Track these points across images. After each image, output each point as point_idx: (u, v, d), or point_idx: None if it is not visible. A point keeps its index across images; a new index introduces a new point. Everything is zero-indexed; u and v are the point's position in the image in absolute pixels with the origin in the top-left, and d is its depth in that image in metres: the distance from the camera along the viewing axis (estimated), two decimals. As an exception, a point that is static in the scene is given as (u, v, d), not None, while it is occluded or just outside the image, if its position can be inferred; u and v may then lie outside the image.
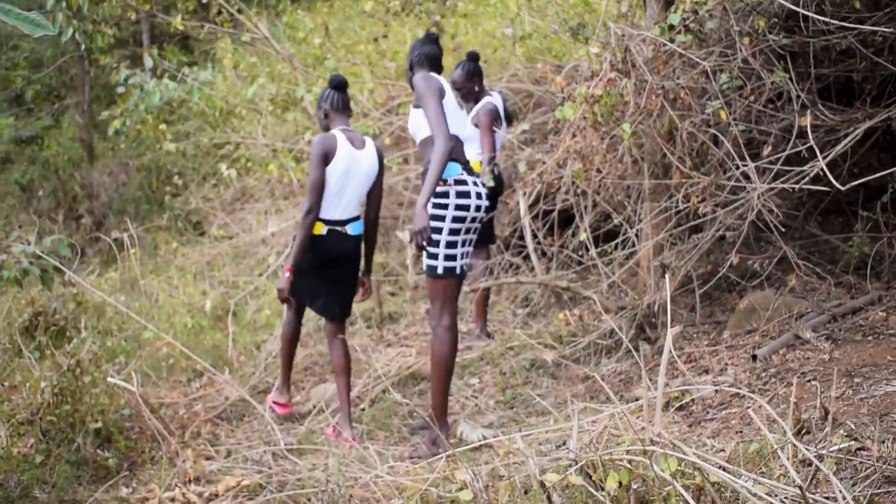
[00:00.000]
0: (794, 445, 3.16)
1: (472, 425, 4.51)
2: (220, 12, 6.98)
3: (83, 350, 5.16)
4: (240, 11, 6.85)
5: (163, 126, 8.38)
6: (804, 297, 5.26)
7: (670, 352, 3.02)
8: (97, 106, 15.75)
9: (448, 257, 4.21)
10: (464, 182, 4.18)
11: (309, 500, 3.84)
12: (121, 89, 8.76)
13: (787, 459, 3.10)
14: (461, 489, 2.99)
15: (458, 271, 4.26)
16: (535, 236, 6.36)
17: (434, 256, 4.21)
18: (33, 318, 6.49)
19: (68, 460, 4.46)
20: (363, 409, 5.15)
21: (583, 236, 5.57)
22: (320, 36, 8.85)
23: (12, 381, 5.23)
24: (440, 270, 4.22)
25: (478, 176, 4.36)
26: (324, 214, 4.67)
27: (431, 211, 4.17)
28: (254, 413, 5.29)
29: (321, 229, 4.67)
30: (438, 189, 4.14)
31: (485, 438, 4.24)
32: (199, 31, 8.91)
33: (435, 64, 4.45)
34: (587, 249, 5.65)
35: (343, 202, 4.70)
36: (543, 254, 6.45)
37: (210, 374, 5.56)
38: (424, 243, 4.08)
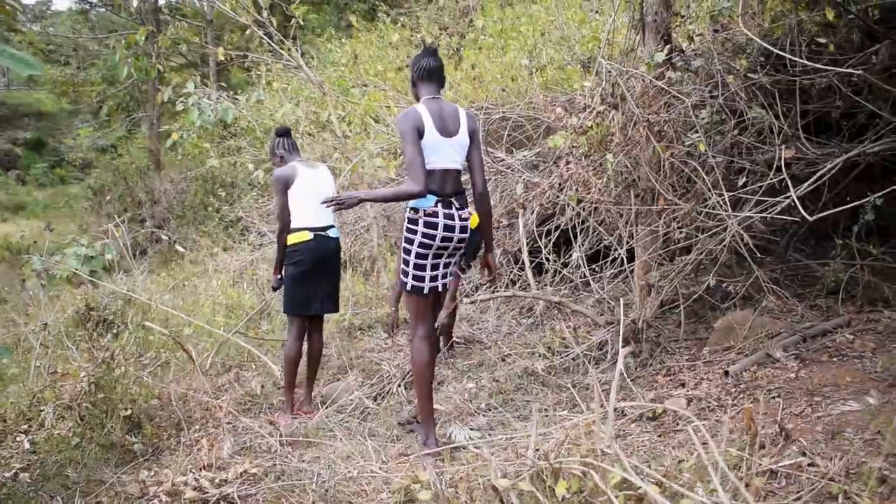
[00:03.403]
0: (746, 460, 3.15)
1: (461, 427, 4.51)
2: (262, 43, 7.08)
3: (121, 344, 5.27)
4: (281, 42, 6.92)
5: (207, 144, 8.48)
6: (780, 317, 5.19)
7: (622, 371, 2.99)
8: (165, 119, 16.08)
9: (416, 277, 4.28)
10: (434, 214, 4.17)
11: (304, 490, 3.87)
12: (180, 106, 8.89)
13: (739, 473, 3.08)
14: (424, 488, 3.00)
15: (425, 291, 4.31)
16: (531, 253, 6.33)
17: (405, 274, 4.32)
18: (85, 313, 6.64)
19: (99, 443, 4.53)
20: (367, 408, 5.17)
21: (575, 255, 5.54)
22: (349, 64, 8.93)
23: (63, 370, 5.34)
24: (409, 287, 4.32)
25: (459, 208, 4.27)
26: (307, 223, 5.07)
27: (404, 234, 4.28)
28: (273, 406, 5.35)
29: (308, 236, 5.06)
30: (411, 216, 4.21)
31: (471, 440, 4.25)
32: (245, 58, 9.01)
33: (434, 76, 4.35)
34: (578, 267, 5.63)
35: (317, 211, 5.06)
36: (545, 271, 6.42)
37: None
38: (335, 205, 4.21)
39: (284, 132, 5.40)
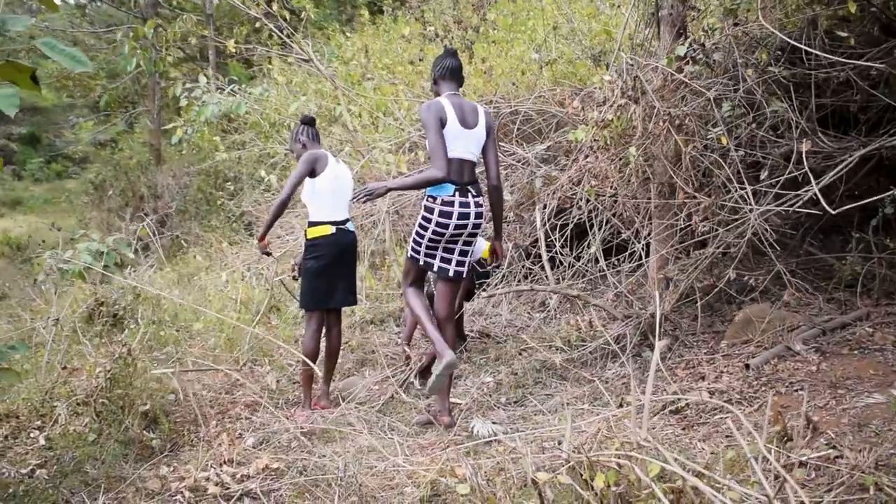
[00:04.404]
0: (775, 452, 3.15)
1: (483, 421, 4.51)
2: (271, 36, 7.07)
3: (135, 340, 5.24)
4: (290, 36, 6.90)
5: (216, 138, 8.46)
6: (798, 311, 5.19)
7: (658, 363, 2.99)
8: (165, 113, 16.03)
9: (427, 255, 4.54)
10: (450, 203, 4.38)
11: (329, 485, 3.86)
12: (183, 101, 8.85)
13: (767, 465, 3.08)
14: (460, 482, 3.00)
15: (435, 268, 4.55)
16: (549, 247, 6.32)
17: (416, 252, 4.54)
18: (95, 308, 6.61)
19: (117, 439, 4.51)
20: (385, 403, 5.16)
21: (593, 249, 5.54)
22: (360, 58, 8.91)
23: (73, 366, 5.32)
24: (421, 262, 4.56)
25: (475, 195, 4.47)
26: (329, 217, 5.10)
27: (419, 221, 4.49)
28: (289, 400, 5.34)
29: (330, 230, 5.09)
30: (428, 204, 4.42)
31: (494, 434, 4.26)
32: (253, 52, 8.99)
33: (455, 75, 4.60)
34: (597, 261, 5.62)
35: (339, 205, 5.12)
36: (560, 263, 6.41)
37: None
38: (364, 196, 4.40)
39: (309, 121, 5.42)
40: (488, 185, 4.58)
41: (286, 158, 9.34)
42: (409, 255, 4.61)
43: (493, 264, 4.85)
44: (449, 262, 4.53)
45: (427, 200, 4.42)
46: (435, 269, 4.54)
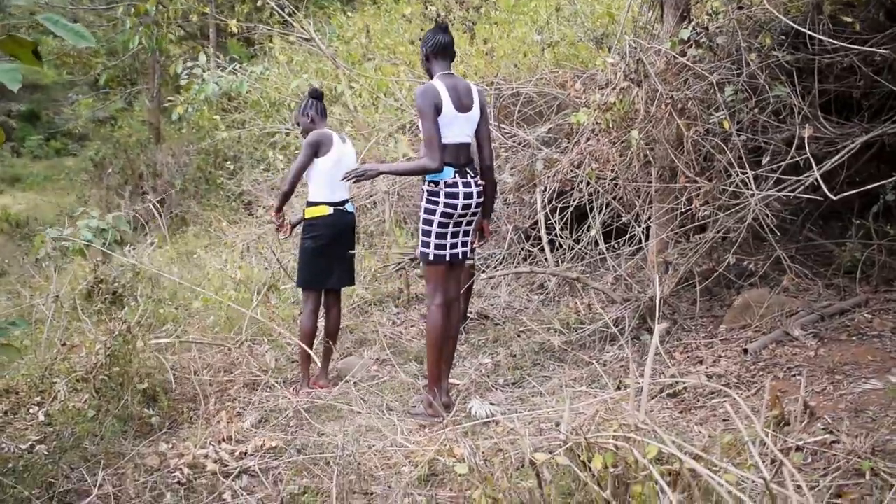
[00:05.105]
0: (773, 436, 3.16)
1: (481, 402, 4.53)
2: (272, 14, 7.04)
3: (135, 317, 5.25)
4: (291, 15, 6.87)
5: (216, 117, 8.44)
6: (797, 296, 5.21)
7: (657, 346, 2.99)
8: (165, 91, 15.96)
9: (438, 246, 4.42)
10: (454, 185, 4.33)
11: (328, 463, 3.88)
12: (184, 80, 8.82)
13: (764, 449, 3.09)
14: (459, 462, 3.01)
15: (447, 258, 4.45)
16: (549, 230, 6.33)
17: (427, 245, 4.44)
18: (94, 285, 6.62)
19: (116, 416, 4.52)
20: (383, 383, 5.18)
21: (593, 232, 5.55)
22: (361, 38, 8.88)
23: (73, 342, 5.32)
24: (431, 257, 4.45)
25: (473, 176, 4.43)
26: (327, 198, 5.06)
27: (425, 206, 4.42)
28: (287, 379, 5.35)
29: (328, 210, 5.06)
30: (431, 188, 4.37)
31: (492, 415, 4.28)
32: (255, 30, 8.95)
33: (448, 52, 4.48)
34: (596, 244, 5.63)
35: (335, 186, 5.05)
36: (560, 246, 6.41)
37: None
38: (355, 177, 4.38)
39: (318, 95, 5.32)
40: (481, 164, 4.53)
41: (286, 138, 9.33)
42: (424, 256, 4.48)
43: (479, 243, 4.81)
44: (456, 246, 4.47)
45: (429, 185, 4.36)
46: (448, 258, 4.44)
